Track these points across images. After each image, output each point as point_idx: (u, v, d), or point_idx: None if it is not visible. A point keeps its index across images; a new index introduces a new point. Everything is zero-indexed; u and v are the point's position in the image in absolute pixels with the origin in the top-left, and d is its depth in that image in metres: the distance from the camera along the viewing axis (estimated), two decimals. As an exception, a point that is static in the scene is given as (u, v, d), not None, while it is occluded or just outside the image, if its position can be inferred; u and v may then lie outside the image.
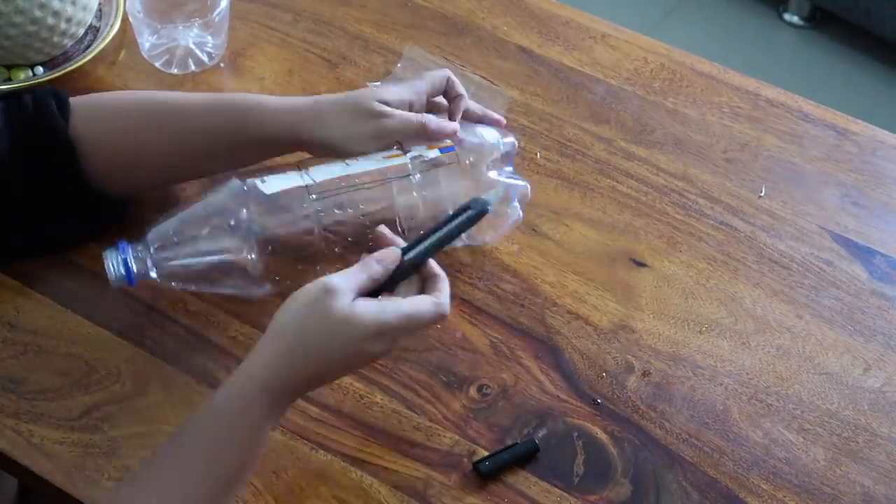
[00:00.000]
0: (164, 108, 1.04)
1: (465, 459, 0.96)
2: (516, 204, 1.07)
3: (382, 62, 1.27)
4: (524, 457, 0.96)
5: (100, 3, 1.26)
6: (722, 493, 0.95)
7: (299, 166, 1.03)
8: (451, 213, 0.94)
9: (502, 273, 1.09)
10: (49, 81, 1.19)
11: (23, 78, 1.21)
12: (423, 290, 0.91)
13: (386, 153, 1.03)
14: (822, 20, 2.72)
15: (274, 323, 0.87)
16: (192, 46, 1.24)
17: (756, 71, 1.34)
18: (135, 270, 0.98)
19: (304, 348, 0.86)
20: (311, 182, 1.01)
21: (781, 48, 2.71)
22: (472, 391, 1.01)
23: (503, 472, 0.95)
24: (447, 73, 1.07)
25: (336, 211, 1.00)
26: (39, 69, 1.22)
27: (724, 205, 1.16)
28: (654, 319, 1.07)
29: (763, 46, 2.69)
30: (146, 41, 1.23)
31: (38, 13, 1.17)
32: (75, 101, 1.03)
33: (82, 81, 1.22)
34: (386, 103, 1.02)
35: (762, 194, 1.18)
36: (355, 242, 1.01)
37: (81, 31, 1.24)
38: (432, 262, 0.92)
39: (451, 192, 1.03)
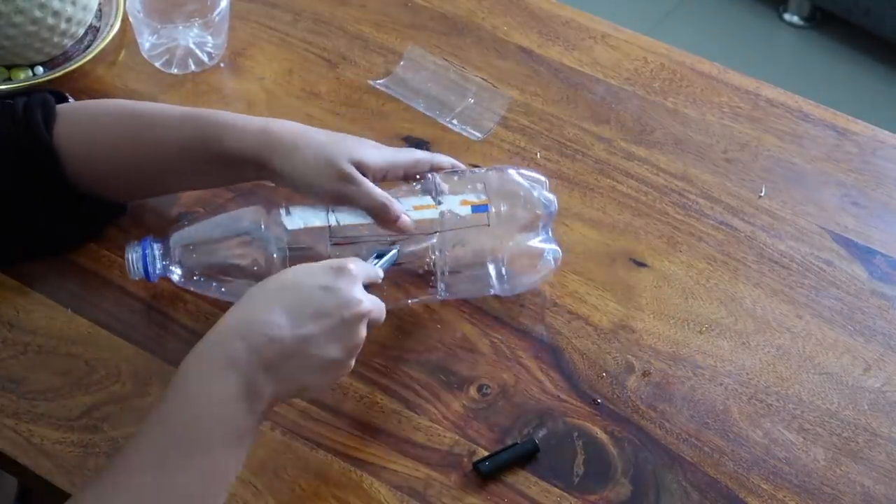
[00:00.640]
0: (139, 121, 1.03)
1: (465, 459, 0.96)
2: (549, 259, 1.04)
3: (382, 62, 1.27)
4: (524, 457, 0.96)
5: (100, 3, 1.26)
6: (722, 493, 0.95)
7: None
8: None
9: (502, 273, 1.09)
10: (49, 81, 1.19)
11: (23, 78, 1.21)
12: None
13: (416, 200, 1.01)
14: (822, 20, 2.72)
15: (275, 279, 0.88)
16: (192, 46, 1.24)
17: (756, 71, 1.34)
18: (158, 267, 0.99)
19: (265, 289, 0.86)
20: (335, 223, 0.99)
21: (781, 48, 2.71)
22: (472, 391, 1.01)
23: (503, 472, 0.95)
24: (435, 158, 1.04)
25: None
26: (39, 69, 1.22)
27: (724, 205, 1.16)
28: (654, 319, 1.06)
29: (763, 46, 2.69)
30: (146, 41, 1.23)
31: (38, 13, 1.17)
32: (62, 108, 1.03)
33: (82, 81, 1.22)
34: (362, 166, 0.98)
35: (762, 194, 1.18)
36: None
37: (81, 31, 1.24)
38: None
39: (478, 249, 1.01)
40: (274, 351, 0.83)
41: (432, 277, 1.01)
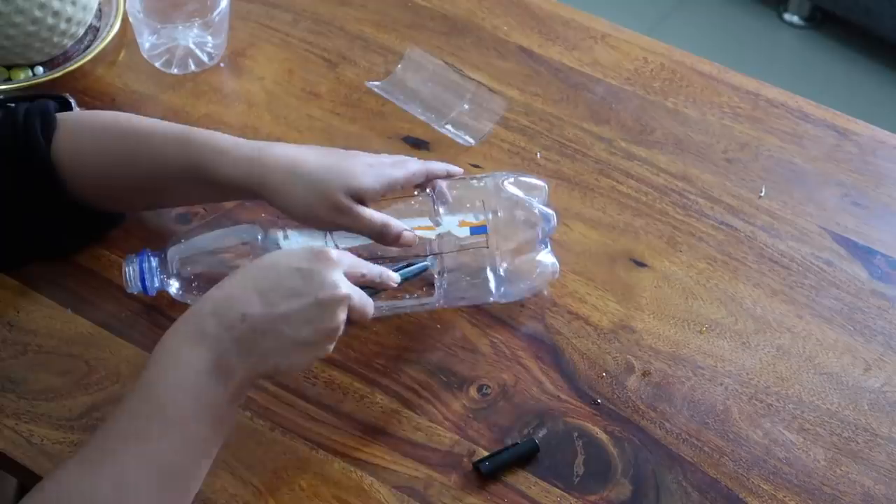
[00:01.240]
0: (136, 140, 1.02)
1: (465, 459, 0.96)
2: (547, 271, 1.04)
3: (382, 62, 1.27)
4: (524, 457, 0.96)
5: (100, 3, 1.26)
6: (722, 493, 0.95)
7: None
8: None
9: (502, 273, 1.09)
10: (49, 81, 1.19)
11: (23, 78, 1.21)
12: None
13: (414, 222, 1.00)
14: (822, 20, 2.72)
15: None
16: (192, 46, 1.24)
17: (756, 71, 1.34)
18: (156, 281, 0.99)
19: (239, 272, 0.87)
20: (333, 248, 0.97)
21: (781, 48, 2.71)
22: (472, 391, 1.01)
23: (503, 472, 0.95)
24: (430, 167, 1.03)
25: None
26: (39, 69, 1.22)
27: (724, 205, 1.16)
28: (654, 319, 1.06)
29: (763, 46, 2.69)
30: (146, 41, 1.23)
31: (38, 13, 1.17)
32: (62, 120, 1.02)
33: (82, 81, 1.22)
34: (359, 194, 0.97)
35: (762, 194, 1.18)
36: None
37: (81, 31, 1.24)
38: None
39: (475, 266, 1.01)
40: (245, 328, 0.84)
41: (430, 288, 1.01)
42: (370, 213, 0.97)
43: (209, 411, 0.83)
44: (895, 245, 1.14)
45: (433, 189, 1.02)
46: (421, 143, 1.18)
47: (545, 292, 1.07)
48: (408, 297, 1.01)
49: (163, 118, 1.17)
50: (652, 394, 1.01)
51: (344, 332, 0.88)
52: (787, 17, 2.74)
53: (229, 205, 1.08)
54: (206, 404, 0.83)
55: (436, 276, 1.00)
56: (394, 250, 0.99)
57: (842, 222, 1.16)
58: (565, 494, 0.95)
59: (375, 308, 0.91)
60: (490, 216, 1.01)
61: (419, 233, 1.00)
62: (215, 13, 1.21)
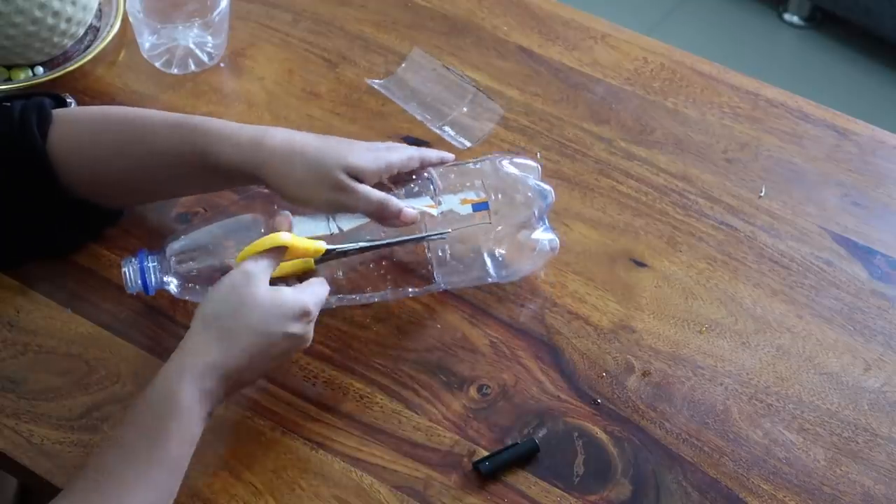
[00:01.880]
0: (132, 130, 1.02)
1: (465, 459, 0.96)
2: (546, 248, 1.05)
3: (382, 62, 1.27)
4: (524, 457, 0.96)
5: (100, 3, 1.26)
6: (722, 493, 0.95)
7: None
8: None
9: (502, 273, 1.09)
10: (49, 81, 1.19)
11: (23, 78, 1.21)
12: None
13: (416, 202, 1.01)
14: (822, 20, 2.72)
15: (200, 314, 0.90)
16: (192, 46, 1.24)
17: (756, 71, 1.34)
18: (155, 280, 0.99)
19: (236, 332, 0.89)
20: (336, 231, 0.99)
21: (781, 48, 2.71)
22: (472, 391, 1.01)
23: (503, 472, 0.95)
24: (424, 153, 1.04)
25: (358, 266, 1.01)
26: (39, 69, 1.22)
27: (724, 205, 1.16)
28: (654, 319, 1.06)
29: (763, 46, 2.69)
30: (146, 41, 1.23)
31: (38, 13, 1.17)
32: (58, 115, 1.03)
33: (82, 81, 1.22)
34: (357, 172, 0.98)
35: (762, 194, 1.18)
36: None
37: (81, 31, 1.24)
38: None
39: (475, 242, 1.02)
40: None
41: (430, 269, 1.01)
42: (369, 190, 0.98)
43: (193, 449, 0.89)
44: (895, 245, 1.14)
45: (428, 175, 1.03)
46: (421, 143, 1.18)
47: (547, 283, 1.07)
48: (413, 282, 1.02)
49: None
50: (652, 394, 1.01)
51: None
52: (787, 17, 2.74)
53: (228, 201, 1.08)
54: (193, 446, 0.89)
55: (437, 254, 1.01)
56: (394, 232, 1.00)
57: (842, 222, 1.16)
58: (565, 494, 0.95)
59: (380, 295, 0.97)
60: (491, 194, 1.02)
61: (423, 209, 1.00)
62: (215, 13, 1.21)
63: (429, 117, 1.21)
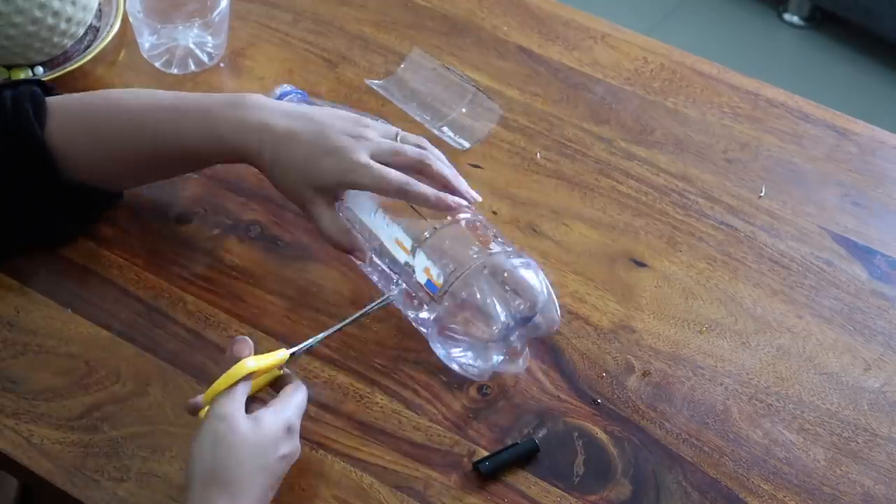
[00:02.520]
0: (134, 113, 1.02)
1: (465, 459, 0.96)
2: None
3: (382, 62, 1.27)
4: (524, 457, 0.96)
5: (100, 3, 1.26)
6: (722, 493, 0.95)
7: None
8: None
9: (502, 273, 1.09)
10: (49, 81, 1.19)
11: (23, 78, 1.21)
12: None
13: (401, 234, 0.98)
14: (822, 20, 2.73)
15: (193, 474, 0.86)
16: (192, 46, 1.24)
17: (756, 71, 1.34)
18: None
19: (237, 478, 0.86)
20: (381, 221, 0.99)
21: (781, 48, 2.72)
22: (472, 391, 1.00)
23: (503, 472, 0.95)
24: (439, 169, 1.01)
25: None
26: (39, 69, 1.22)
27: (724, 205, 1.16)
28: (654, 319, 1.06)
29: (763, 46, 2.69)
30: (146, 41, 1.23)
31: (38, 13, 1.17)
32: (52, 103, 1.03)
33: (82, 81, 1.22)
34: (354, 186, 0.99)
35: (762, 194, 1.18)
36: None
37: (81, 31, 1.24)
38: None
39: (416, 312, 0.99)
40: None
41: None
42: (385, 170, 0.98)
43: None
44: (895, 245, 1.14)
45: (452, 216, 0.99)
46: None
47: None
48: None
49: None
50: (652, 394, 1.01)
51: None
52: (787, 17, 2.74)
53: (234, 204, 1.08)
54: None
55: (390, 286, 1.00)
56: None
57: (842, 222, 1.16)
58: (565, 494, 0.95)
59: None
60: (449, 288, 0.95)
61: (395, 248, 0.98)
62: (215, 13, 1.21)
63: (427, 118, 1.21)
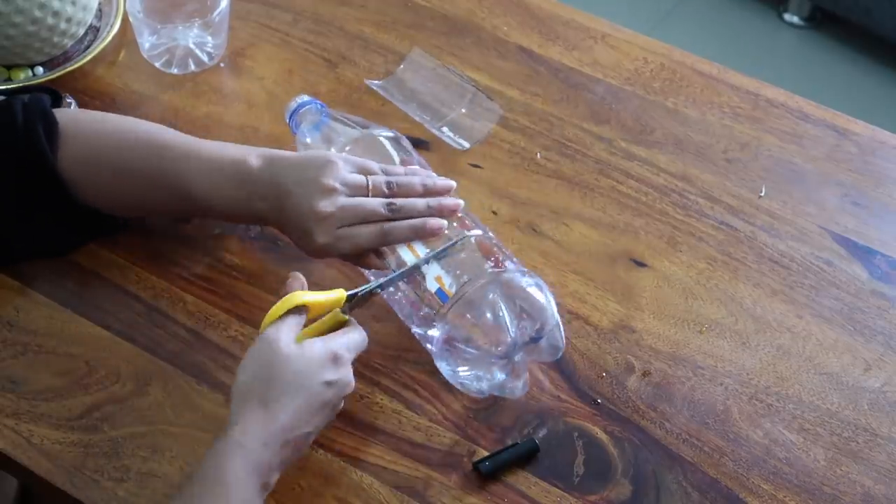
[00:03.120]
0: (147, 151, 1.02)
1: (465, 459, 0.96)
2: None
3: (382, 62, 1.27)
4: (524, 457, 0.96)
5: (100, 3, 1.26)
6: (722, 493, 0.95)
7: None
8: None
9: (502, 273, 1.09)
10: (49, 81, 1.19)
11: (23, 78, 1.21)
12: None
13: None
14: (822, 20, 2.72)
15: (235, 390, 0.89)
16: (192, 46, 1.24)
17: (756, 71, 1.34)
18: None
19: (274, 395, 0.87)
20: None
21: (781, 48, 2.71)
22: (472, 391, 1.00)
23: (503, 472, 0.95)
24: (445, 203, 1.01)
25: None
26: (39, 69, 1.22)
27: (724, 205, 1.16)
28: (654, 319, 1.06)
29: (763, 46, 2.69)
30: (146, 41, 1.23)
31: (38, 13, 1.17)
32: (66, 129, 1.02)
33: (82, 81, 1.22)
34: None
35: (762, 194, 1.18)
36: None
37: (81, 31, 1.24)
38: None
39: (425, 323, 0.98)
40: (287, 450, 0.89)
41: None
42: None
43: None
44: (895, 245, 1.14)
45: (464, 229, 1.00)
46: (420, 143, 1.18)
47: (547, 283, 1.05)
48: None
49: (162, 118, 1.18)
50: (652, 394, 1.01)
51: None
52: (787, 17, 2.74)
53: None
54: None
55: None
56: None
57: (842, 222, 1.16)
58: (565, 494, 0.95)
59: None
60: (461, 297, 0.95)
61: (406, 253, 0.99)
62: (215, 13, 1.21)
63: (427, 118, 1.21)
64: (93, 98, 1.21)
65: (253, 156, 1.00)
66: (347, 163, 1.00)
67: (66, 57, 1.23)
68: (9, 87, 1.19)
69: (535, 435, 0.98)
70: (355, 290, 0.95)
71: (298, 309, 0.92)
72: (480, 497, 0.94)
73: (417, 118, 1.21)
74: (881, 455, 0.99)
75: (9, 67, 1.22)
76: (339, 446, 0.96)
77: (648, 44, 1.32)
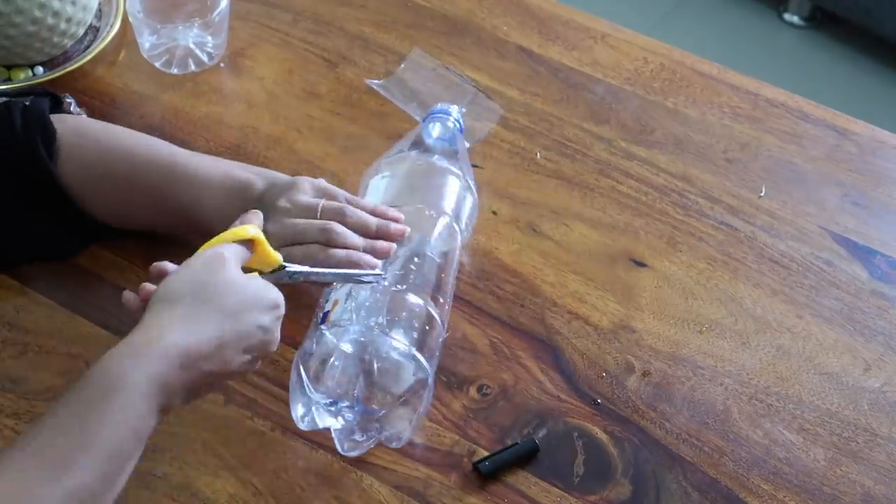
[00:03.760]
0: (149, 168, 1.02)
1: (465, 459, 0.96)
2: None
3: (382, 62, 1.27)
4: (524, 457, 0.96)
5: (100, 3, 1.26)
6: (722, 493, 0.95)
7: None
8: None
9: (502, 273, 1.09)
10: (49, 81, 1.19)
11: (23, 78, 1.21)
12: None
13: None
14: (822, 20, 2.72)
15: (162, 290, 0.82)
16: (192, 46, 1.24)
17: (756, 71, 1.34)
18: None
19: (205, 313, 0.80)
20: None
21: (781, 48, 2.71)
22: (472, 391, 1.00)
23: (503, 472, 0.95)
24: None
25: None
26: (39, 69, 1.22)
27: (724, 205, 1.16)
28: (654, 319, 1.06)
29: (763, 46, 2.69)
30: (146, 41, 1.23)
31: (38, 13, 1.17)
32: (67, 142, 1.02)
33: (82, 81, 1.22)
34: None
35: (762, 194, 1.18)
36: None
37: (81, 31, 1.24)
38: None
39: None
40: (200, 381, 0.81)
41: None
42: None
43: (140, 441, 0.79)
44: (895, 245, 1.14)
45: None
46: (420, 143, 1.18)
47: (547, 283, 1.07)
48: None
49: (162, 118, 1.18)
50: (652, 394, 1.01)
51: None
52: (787, 17, 2.74)
53: None
54: (140, 437, 0.78)
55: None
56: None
57: (842, 222, 1.16)
58: (565, 494, 0.95)
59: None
60: (327, 326, 0.92)
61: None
62: (215, 13, 1.21)
63: (428, 118, 1.21)
64: (93, 98, 1.21)
65: (259, 179, 1.02)
66: (314, 188, 1.01)
67: (66, 57, 1.23)
68: (9, 87, 1.19)
69: (535, 435, 0.98)
70: (291, 266, 0.91)
71: (247, 244, 0.87)
72: (480, 497, 0.94)
73: (418, 118, 1.21)
74: (881, 455, 0.99)
75: (9, 67, 1.22)
76: (339, 446, 0.96)
77: (648, 44, 1.32)
